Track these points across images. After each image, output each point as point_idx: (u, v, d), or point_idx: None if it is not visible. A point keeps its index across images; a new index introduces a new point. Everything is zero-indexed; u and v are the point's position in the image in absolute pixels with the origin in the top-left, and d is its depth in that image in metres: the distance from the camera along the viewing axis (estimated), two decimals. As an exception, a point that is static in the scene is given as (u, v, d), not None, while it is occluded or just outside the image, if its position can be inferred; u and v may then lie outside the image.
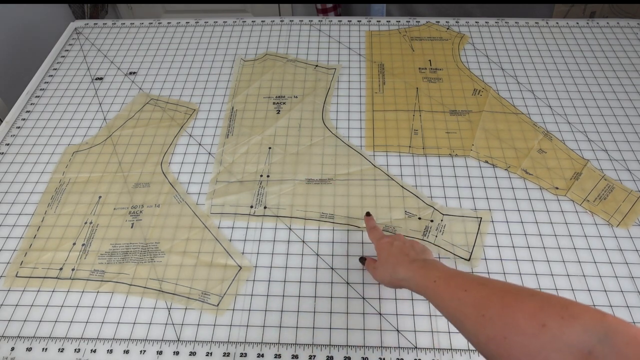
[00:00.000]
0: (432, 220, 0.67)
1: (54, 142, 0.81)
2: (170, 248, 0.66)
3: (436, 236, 0.66)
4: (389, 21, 1.02)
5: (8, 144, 0.81)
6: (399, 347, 0.56)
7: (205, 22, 1.04)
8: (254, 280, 0.63)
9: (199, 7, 1.85)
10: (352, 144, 0.78)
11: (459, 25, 1.00)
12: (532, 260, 0.63)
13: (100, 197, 0.72)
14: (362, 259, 0.62)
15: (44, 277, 0.64)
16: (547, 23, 1.00)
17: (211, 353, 0.57)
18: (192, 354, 0.57)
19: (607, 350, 0.30)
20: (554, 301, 0.35)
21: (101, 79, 0.92)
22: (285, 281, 0.63)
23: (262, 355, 0.56)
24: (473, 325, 0.39)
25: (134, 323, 0.59)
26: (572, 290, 0.60)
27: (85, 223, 0.69)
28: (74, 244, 0.67)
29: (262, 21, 1.03)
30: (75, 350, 0.57)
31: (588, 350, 0.31)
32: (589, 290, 0.60)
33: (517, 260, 0.63)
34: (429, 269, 0.48)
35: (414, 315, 0.59)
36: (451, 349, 0.56)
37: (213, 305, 0.60)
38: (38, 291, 0.63)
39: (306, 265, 0.64)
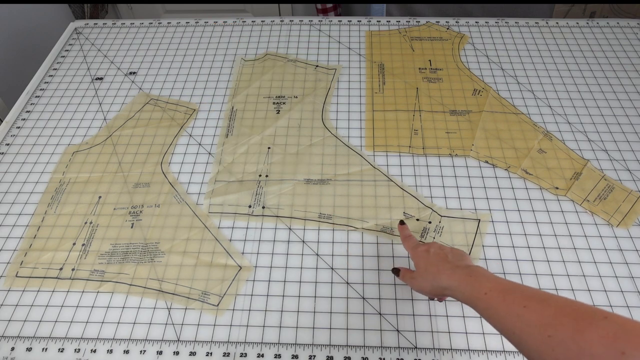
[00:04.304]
0: (430, 222, 0.67)
1: (54, 142, 0.81)
2: (170, 248, 0.66)
3: (434, 237, 0.66)
4: (389, 21, 1.02)
5: (8, 144, 0.81)
6: (399, 347, 0.56)
7: (205, 22, 1.04)
8: (254, 280, 0.63)
9: (199, 7, 1.85)
10: (352, 144, 0.78)
11: (459, 25, 1.00)
12: (532, 260, 0.63)
13: (100, 197, 0.72)
14: (396, 270, 0.58)
15: (44, 277, 0.64)
16: (547, 23, 1.00)
17: (211, 353, 0.57)
18: (192, 354, 0.57)
19: None
20: (630, 326, 0.34)
21: (101, 79, 0.92)
22: (285, 281, 0.63)
23: (262, 355, 0.56)
24: (538, 345, 0.37)
25: (134, 323, 0.59)
26: (572, 290, 0.60)
27: (85, 223, 0.69)
28: (74, 244, 0.67)
29: (262, 21, 1.03)
30: (75, 350, 0.57)
31: None
32: (589, 290, 0.60)
33: (517, 260, 0.63)
34: (477, 279, 0.46)
35: (414, 315, 0.59)
36: (451, 349, 0.56)
37: (213, 305, 0.60)
38: (38, 291, 0.63)
39: (306, 265, 0.64)
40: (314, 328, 0.58)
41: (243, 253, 0.65)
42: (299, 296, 0.61)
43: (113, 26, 1.05)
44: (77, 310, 0.61)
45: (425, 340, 0.57)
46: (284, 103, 0.85)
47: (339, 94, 0.87)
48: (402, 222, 0.63)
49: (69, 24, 1.06)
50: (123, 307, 0.61)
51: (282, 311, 0.60)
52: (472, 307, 0.45)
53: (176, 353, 0.57)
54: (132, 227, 0.68)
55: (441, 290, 0.49)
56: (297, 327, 0.58)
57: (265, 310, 0.60)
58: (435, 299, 0.58)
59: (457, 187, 0.72)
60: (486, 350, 0.56)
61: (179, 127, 0.82)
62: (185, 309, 0.60)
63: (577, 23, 1.00)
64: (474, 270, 0.47)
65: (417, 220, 0.68)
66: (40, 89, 0.91)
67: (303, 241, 0.66)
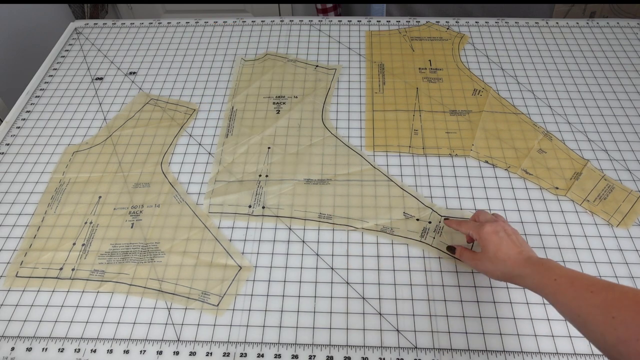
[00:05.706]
0: (430, 222, 0.67)
1: (54, 142, 0.81)
2: (170, 248, 0.66)
3: (434, 237, 0.66)
4: (389, 21, 1.02)
5: (8, 144, 0.81)
6: (399, 347, 0.56)
7: (205, 22, 1.04)
8: (254, 280, 0.63)
9: (199, 7, 1.85)
10: (352, 144, 0.78)
11: (459, 25, 1.00)
12: (532, 260, 0.63)
13: (100, 197, 0.72)
14: (451, 248, 0.61)
15: (44, 277, 0.64)
16: (547, 23, 1.00)
17: (211, 353, 0.57)
18: (192, 354, 0.57)
19: None
20: None
21: (101, 79, 0.92)
22: (285, 281, 0.63)
23: (262, 355, 0.56)
24: (600, 326, 0.40)
25: (134, 323, 0.60)
26: (572, 290, 0.60)
27: (85, 223, 0.69)
28: (74, 244, 0.67)
29: (262, 21, 1.03)
30: (75, 350, 0.57)
31: None
32: (588, 290, 0.60)
33: (517, 260, 0.63)
34: (548, 267, 0.49)
35: (414, 315, 0.59)
36: (451, 349, 0.56)
37: (213, 305, 0.61)
38: (38, 291, 0.63)
39: (306, 265, 0.64)
40: (314, 328, 0.58)
41: (243, 253, 0.65)
42: (299, 296, 0.61)
43: (113, 26, 1.05)
44: (77, 310, 0.61)
45: (425, 340, 0.57)
46: (284, 103, 0.85)
47: (339, 94, 0.87)
48: (446, 218, 0.65)
49: (69, 24, 1.06)
50: (123, 307, 0.61)
51: (282, 311, 0.60)
52: (540, 293, 0.49)
53: (176, 353, 0.57)
54: (132, 227, 0.68)
55: (511, 277, 0.52)
56: (297, 327, 0.58)
57: (265, 310, 0.60)
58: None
59: (457, 187, 0.72)
60: (486, 350, 0.56)
61: (179, 127, 0.82)
62: (185, 309, 0.60)
63: (577, 23, 1.00)
64: (545, 261, 0.51)
65: (417, 220, 0.68)
66: (40, 89, 0.91)
67: (303, 241, 0.66)
